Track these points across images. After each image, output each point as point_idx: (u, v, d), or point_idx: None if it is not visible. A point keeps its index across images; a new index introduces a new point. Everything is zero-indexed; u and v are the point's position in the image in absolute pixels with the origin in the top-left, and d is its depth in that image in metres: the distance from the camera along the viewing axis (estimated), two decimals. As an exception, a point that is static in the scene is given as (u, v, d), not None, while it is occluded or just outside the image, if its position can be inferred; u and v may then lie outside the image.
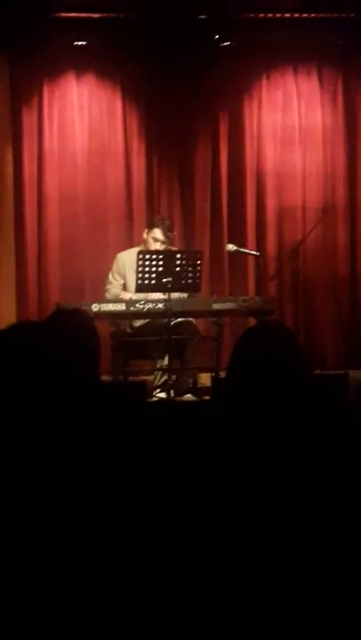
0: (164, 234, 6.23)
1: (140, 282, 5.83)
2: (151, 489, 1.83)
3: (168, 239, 6.26)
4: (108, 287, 6.38)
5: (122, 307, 5.89)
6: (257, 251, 7.02)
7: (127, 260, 6.30)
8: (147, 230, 6.41)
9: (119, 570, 1.55)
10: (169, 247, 6.28)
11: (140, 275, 5.82)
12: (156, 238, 6.24)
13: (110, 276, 6.40)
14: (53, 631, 1.43)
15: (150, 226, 6.41)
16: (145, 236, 6.38)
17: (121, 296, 6.18)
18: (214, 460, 1.90)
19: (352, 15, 7.19)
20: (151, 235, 6.28)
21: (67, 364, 1.51)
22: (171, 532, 1.76)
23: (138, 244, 6.62)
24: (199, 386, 6.27)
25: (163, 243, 6.23)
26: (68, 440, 1.57)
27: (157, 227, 6.29)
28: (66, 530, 1.49)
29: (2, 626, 1.41)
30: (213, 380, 5.73)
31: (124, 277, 6.33)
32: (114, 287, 6.34)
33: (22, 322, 1.59)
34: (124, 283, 6.35)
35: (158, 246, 6.20)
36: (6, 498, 1.47)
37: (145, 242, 6.35)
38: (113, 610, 1.51)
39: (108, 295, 6.30)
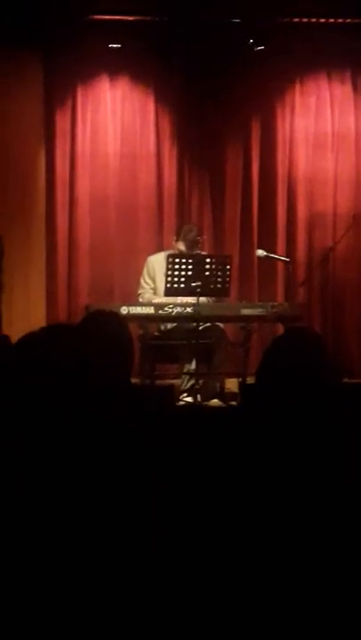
0: (187, 246, 6.25)
1: (169, 285, 5.83)
2: (177, 492, 1.82)
3: (194, 249, 6.27)
4: (140, 292, 6.38)
5: (150, 310, 5.89)
6: (287, 256, 7.00)
7: (157, 263, 6.31)
8: (175, 240, 6.44)
9: (149, 571, 1.54)
10: (197, 251, 6.28)
11: (169, 278, 5.82)
12: (180, 250, 6.26)
13: (142, 280, 6.41)
14: (53, 631, 1.43)
15: (177, 237, 6.43)
16: (173, 244, 6.41)
17: (153, 301, 6.17)
18: (241, 465, 1.89)
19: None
20: (177, 246, 6.32)
21: (100, 367, 1.51)
22: (198, 534, 1.76)
23: (168, 248, 6.62)
24: (226, 391, 6.25)
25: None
26: (97, 442, 1.57)
27: (182, 240, 6.30)
28: (96, 530, 1.49)
29: (2, 626, 1.41)
30: (241, 385, 5.71)
31: (154, 280, 6.33)
32: (147, 292, 6.34)
33: (55, 324, 1.59)
34: (154, 286, 6.36)
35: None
36: (37, 496, 1.47)
37: (174, 249, 6.38)
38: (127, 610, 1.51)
39: (141, 301, 6.30)
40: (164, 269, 6.00)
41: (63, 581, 1.45)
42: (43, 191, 7.31)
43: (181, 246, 6.27)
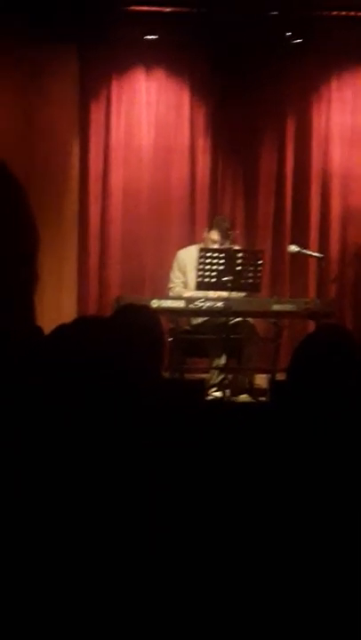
0: (222, 235, 6.22)
1: (200, 279, 5.82)
2: (205, 487, 1.81)
3: (227, 239, 6.24)
4: (171, 286, 6.38)
5: (181, 304, 5.88)
6: (319, 252, 6.96)
7: (187, 257, 6.29)
8: (206, 230, 6.42)
9: (174, 569, 1.54)
10: (230, 246, 6.26)
11: (200, 272, 5.81)
12: (213, 240, 6.25)
13: (172, 274, 6.40)
14: (53, 631, 1.42)
15: (209, 227, 6.42)
16: (205, 235, 6.39)
17: (184, 295, 6.16)
18: (269, 462, 1.88)
19: None
20: (209, 236, 6.30)
21: (131, 360, 1.50)
22: (225, 529, 1.74)
23: (199, 242, 6.61)
24: (255, 387, 6.23)
25: (220, 245, 6.22)
26: (126, 435, 1.56)
27: (215, 228, 6.28)
28: (124, 522, 1.49)
29: (2, 626, 1.40)
30: (271, 381, 5.69)
31: (184, 274, 6.32)
32: (177, 286, 6.33)
33: (88, 316, 1.58)
34: (185, 280, 6.35)
35: (216, 247, 6.19)
36: (65, 488, 1.47)
37: (205, 240, 6.35)
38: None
39: (171, 294, 6.30)
40: (194, 263, 5.99)
41: (68, 578, 1.45)
42: (76, 183, 7.32)
43: (215, 235, 6.24)
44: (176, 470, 1.75)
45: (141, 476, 1.52)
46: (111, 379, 1.47)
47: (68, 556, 1.44)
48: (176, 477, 1.69)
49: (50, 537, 1.44)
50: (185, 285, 6.31)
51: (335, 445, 1.84)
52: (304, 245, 6.99)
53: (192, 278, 6.07)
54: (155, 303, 5.74)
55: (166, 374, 5.72)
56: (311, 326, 6.21)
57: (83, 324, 1.53)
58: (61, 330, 1.51)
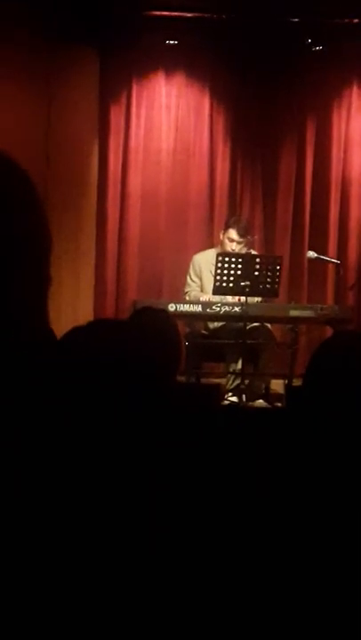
0: (239, 234, 6.20)
1: (217, 284, 5.82)
2: (221, 491, 1.81)
3: (244, 239, 6.23)
4: (187, 290, 6.37)
5: (198, 308, 5.88)
6: (338, 259, 6.94)
7: (203, 261, 6.29)
8: (223, 231, 6.41)
9: (188, 569, 1.53)
10: (246, 248, 6.25)
11: (218, 277, 5.81)
12: (231, 239, 6.22)
13: (188, 278, 6.40)
14: (53, 630, 1.42)
15: (226, 226, 6.40)
16: (221, 237, 6.38)
17: (201, 299, 6.15)
18: (284, 468, 1.87)
19: None
20: (226, 235, 6.27)
21: (146, 365, 1.50)
22: (238, 534, 1.74)
23: (215, 246, 6.61)
24: (271, 392, 6.22)
25: (238, 243, 6.20)
26: (140, 439, 1.56)
27: (232, 227, 6.27)
28: (138, 526, 1.48)
29: (2, 626, 1.40)
30: (287, 387, 5.68)
31: (200, 279, 6.32)
32: (193, 291, 6.32)
33: (103, 319, 1.58)
34: (200, 284, 6.34)
35: (234, 247, 6.18)
36: (72, 490, 1.47)
37: (221, 243, 6.34)
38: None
39: (187, 299, 6.29)
40: (210, 267, 5.98)
41: (68, 578, 1.45)
42: (95, 186, 7.35)
43: (233, 234, 6.21)
44: (191, 475, 1.75)
45: (155, 480, 1.52)
46: (126, 381, 1.47)
47: (70, 556, 1.44)
48: (190, 482, 1.69)
49: (52, 537, 1.44)
50: (201, 289, 6.30)
51: (351, 452, 1.83)
52: (322, 251, 6.98)
53: (208, 282, 6.06)
54: (172, 307, 5.74)
55: (182, 378, 5.72)
56: (328, 332, 6.19)
57: (98, 327, 1.53)
58: (75, 332, 1.50)
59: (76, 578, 1.40)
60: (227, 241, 6.24)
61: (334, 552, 1.71)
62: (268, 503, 1.79)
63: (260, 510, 1.80)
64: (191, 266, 6.42)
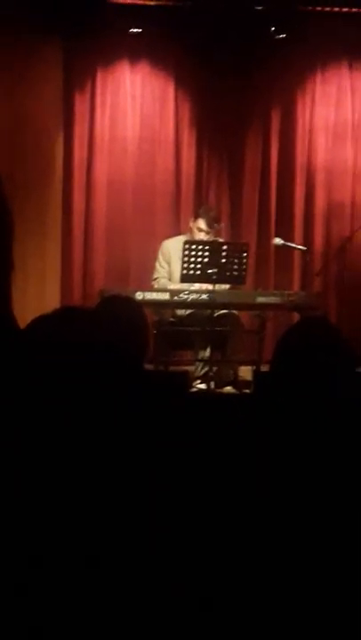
0: (208, 224, 6.23)
1: (185, 272, 5.83)
2: (188, 480, 1.82)
3: (212, 229, 6.25)
4: (156, 276, 6.37)
5: (165, 296, 5.89)
6: (304, 245, 6.97)
7: (172, 247, 6.29)
8: (192, 220, 6.42)
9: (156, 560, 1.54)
10: (214, 238, 6.27)
11: (185, 265, 5.82)
12: (200, 228, 6.25)
13: (157, 264, 6.40)
14: (53, 630, 1.43)
15: (195, 216, 6.42)
16: (190, 224, 6.39)
17: (169, 287, 6.15)
18: (254, 453, 1.88)
19: None
20: (196, 225, 6.29)
21: (113, 351, 1.51)
22: (208, 521, 1.75)
23: (184, 233, 6.62)
24: (240, 379, 6.25)
25: (207, 233, 6.23)
26: (109, 427, 1.56)
27: (202, 217, 6.29)
28: (101, 515, 1.49)
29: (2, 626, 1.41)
30: (255, 373, 5.70)
31: (169, 264, 6.32)
32: (162, 277, 6.33)
33: (69, 306, 1.58)
34: (169, 270, 6.34)
35: (202, 236, 6.20)
36: (42, 482, 1.47)
37: (190, 231, 6.36)
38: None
39: (156, 287, 6.29)
40: (178, 254, 5.99)
41: (65, 576, 1.45)
42: (60, 175, 7.31)
43: (202, 224, 6.24)
44: (160, 462, 1.76)
45: (124, 468, 1.53)
46: (93, 370, 1.48)
47: (53, 556, 1.44)
48: (160, 469, 1.70)
49: (31, 535, 1.44)
50: (169, 276, 6.30)
51: (317, 435, 1.85)
52: (289, 238, 7.01)
53: (176, 269, 6.06)
54: (139, 295, 5.74)
55: (151, 366, 5.73)
56: (295, 318, 6.23)
57: (64, 315, 1.53)
58: (42, 320, 1.50)
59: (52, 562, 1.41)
60: (196, 230, 6.27)
61: (302, 532, 1.73)
62: (239, 487, 1.81)
63: (230, 495, 1.82)
64: (160, 251, 6.43)
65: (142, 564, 1.53)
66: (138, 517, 1.52)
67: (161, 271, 6.36)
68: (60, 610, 1.43)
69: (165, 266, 6.35)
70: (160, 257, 6.40)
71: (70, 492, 1.48)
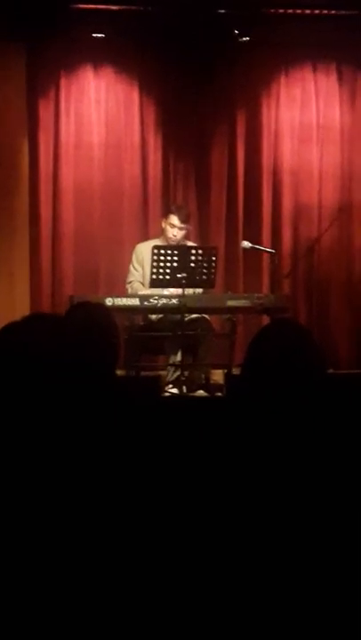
0: (181, 220, 6.26)
1: (154, 277, 5.83)
2: (163, 483, 1.82)
3: (185, 225, 6.28)
4: (130, 280, 6.36)
5: (136, 301, 5.88)
6: (272, 248, 6.99)
7: (146, 251, 6.27)
8: (164, 218, 6.42)
9: (138, 567, 1.54)
10: (185, 237, 6.28)
11: (154, 270, 5.82)
12: (172, 224, 6.26)
13: (131, 267, 6.39)
14: (53, 630, 1.42)
15: (167, 213, 6.43)
16: (163, 224, 6.39)
17: (142, 292, 6.14)
18: (226, 456, 1.88)
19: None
20: (168, 221, 6.30)
21: (84, 358, 1.50)
22: (178, 528, 1.75)
23: (154, 237, 6.61)
24: (211, 382, 6.25)
25: (180, 229, 6.25)
26: (81, 433, 1.55)
27: (174, 213, 6.31)
28: (78, 524, 1.48)
29: (2, 626, 1.40)
30: (226, 376, 5.71)
31: (142, 268, 6.32)
32: (136, 281, 6.32)
33: (38, 313, 1.57)
34: (142, 273, 6.33)
35: (175, 232, 6.22)
36: (18, 494, 1.46)
37: (163, 230, 6.36)
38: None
39: (130, 290, 6.28)
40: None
41: (62, 578, 1.44)
42: (26, 182, 7.27)
43: (174, 220, 6.25)
44: (132, 466, 1.75)
45: (96, 473, 1.52)
46: (64, 376, 1.47)
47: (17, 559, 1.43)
48: (132, 473, 1.69)
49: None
50: (143, 279, 6.29)
51: (289, 438, 1.85)
52: (257, 241, 7.03)
53: (149, 272, 6.07)
54: (109, 301, 5.73)
55: (122, 372, 5.72)
56: (265, 321, 6.24)
57: (34, 322, 1.52)
58: (11, 327, 1.49)
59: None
60: (168, 227, 6.27)
61: (276, 532, 1.73)
62: (211, 489, 1.80)
63: (201, 497, 1.81)
64: (134, 255, 6.43)
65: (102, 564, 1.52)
66: (110, 520, 1.51)
67: (135, 274, 6.36)
68: (60, 610, 1.42)
69: (139, 269, 6.34)
70: (134, 260, 6.40)
71: (42, 497, 1.47)
